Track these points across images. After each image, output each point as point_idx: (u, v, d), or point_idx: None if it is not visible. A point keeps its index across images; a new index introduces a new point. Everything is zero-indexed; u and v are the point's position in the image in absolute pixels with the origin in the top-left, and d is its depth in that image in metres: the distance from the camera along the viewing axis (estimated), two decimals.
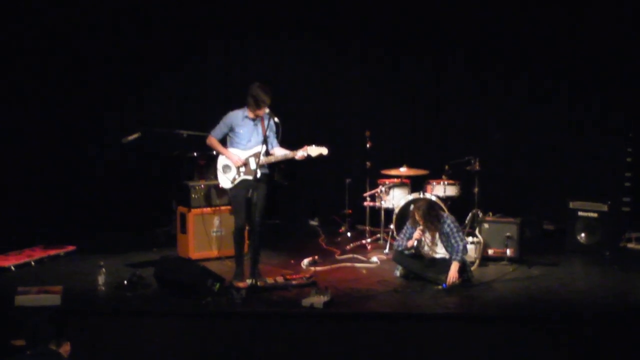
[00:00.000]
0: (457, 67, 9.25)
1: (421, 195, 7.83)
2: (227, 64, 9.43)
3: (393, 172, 8.26)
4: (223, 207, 7.52)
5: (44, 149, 8.72)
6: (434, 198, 7.74)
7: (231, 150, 6.48)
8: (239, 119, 6.42)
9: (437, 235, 6.66)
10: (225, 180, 6.51)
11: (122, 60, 8.94)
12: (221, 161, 6.54)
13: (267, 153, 6.45)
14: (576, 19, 8.79)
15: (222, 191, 7.29)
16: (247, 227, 6.74)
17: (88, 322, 5.54)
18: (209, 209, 7.41)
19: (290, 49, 9.45)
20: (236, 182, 6.46)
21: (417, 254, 6.72)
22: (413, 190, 8.23)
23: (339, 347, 5.47)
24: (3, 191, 8.32)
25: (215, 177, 6.70)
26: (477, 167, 7.88)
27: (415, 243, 6.64)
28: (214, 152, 6.69)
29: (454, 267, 6.37)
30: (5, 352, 4.92)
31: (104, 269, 6.23)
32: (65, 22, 8.64)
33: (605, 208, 7.84)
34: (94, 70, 8.88)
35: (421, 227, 6.59)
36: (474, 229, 7.58)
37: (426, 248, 6.74)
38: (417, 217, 6.60)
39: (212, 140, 6.49)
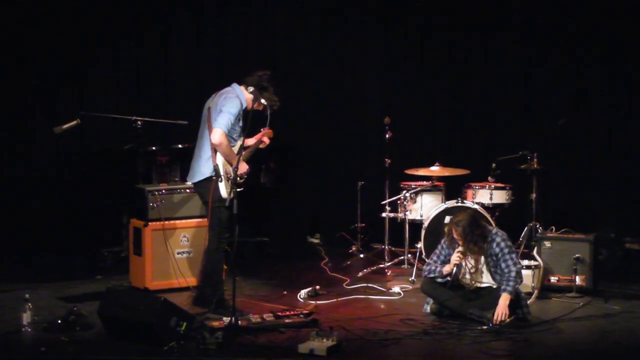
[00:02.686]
0: (511, 31, 9.20)
1: (459, 204, 7.83)
2: (198, 38, 9.43)
3: (421, 172, 8.27)
4: (192, 220, 7.44)
5: None
6: (477, 207, 7.73)
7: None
8: (240, 109, 6.52)
9: (482, 259, 6.61)
10: (224, 190, 6.50)
11: (56, 35, 8.89)
12: (221, 163, 6.50)
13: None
14: None
15: (189, 198, 7.32)
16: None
17: None
18: (172, 223, 7.35)
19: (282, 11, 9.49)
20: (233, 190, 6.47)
21: (454, 282, 6.64)
22: (448, 196, 8.24)
23: None
24: None
25: (181, 180, 6.74)
26: (535, 166, 7.85)
27: (454, 269, 6.57)
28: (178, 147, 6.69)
29: (504, 301, 6.32)
30: None
31: (30, 304, 6.17)
32: None
33: None
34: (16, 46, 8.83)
35: (461, 248, 6.53)
36: (532, 249, 7.55)
37: (467, 275, 6.68)
38: (455, 235, 6.54)
39: (226, 138, 6.43)
